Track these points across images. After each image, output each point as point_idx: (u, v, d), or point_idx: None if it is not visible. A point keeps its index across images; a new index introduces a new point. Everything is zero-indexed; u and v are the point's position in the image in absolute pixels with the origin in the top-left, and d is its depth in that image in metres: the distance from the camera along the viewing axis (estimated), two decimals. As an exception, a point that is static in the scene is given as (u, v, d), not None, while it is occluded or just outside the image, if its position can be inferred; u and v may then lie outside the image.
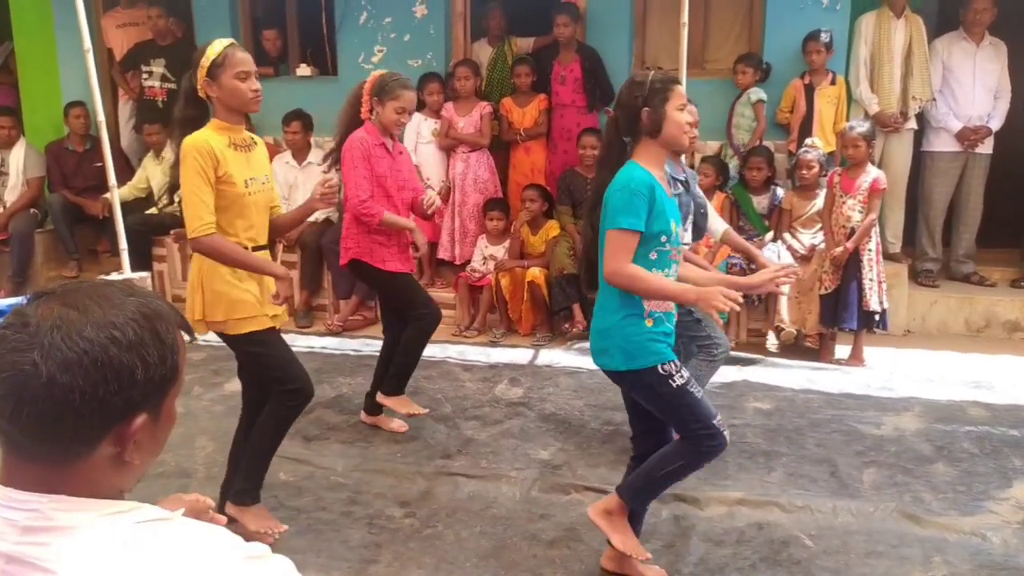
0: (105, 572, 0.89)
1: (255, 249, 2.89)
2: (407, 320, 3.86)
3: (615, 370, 2.58)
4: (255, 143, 2.95)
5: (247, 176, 2.83)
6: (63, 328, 0.90)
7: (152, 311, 0.97)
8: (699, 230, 3.62)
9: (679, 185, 3.35)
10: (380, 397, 3.95)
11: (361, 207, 3.66)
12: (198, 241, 2.75)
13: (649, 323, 2.52)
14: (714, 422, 2.54)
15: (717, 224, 3.92)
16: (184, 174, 2.73)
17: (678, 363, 2.55)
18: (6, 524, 0.92)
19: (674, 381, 2.51)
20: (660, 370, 2.51)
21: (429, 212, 3.85)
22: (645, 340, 2.51)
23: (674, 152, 2.79)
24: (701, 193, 3.70)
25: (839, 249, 4.77)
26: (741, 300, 2.44)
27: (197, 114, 2.86)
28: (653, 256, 2.49)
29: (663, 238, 2.49)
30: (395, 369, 3.91)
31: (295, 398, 2.95)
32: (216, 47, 2.78)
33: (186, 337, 1.05)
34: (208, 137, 2.77)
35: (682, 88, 2.57)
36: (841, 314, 4.83)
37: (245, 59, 2.78)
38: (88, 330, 0.91)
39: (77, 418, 0.91)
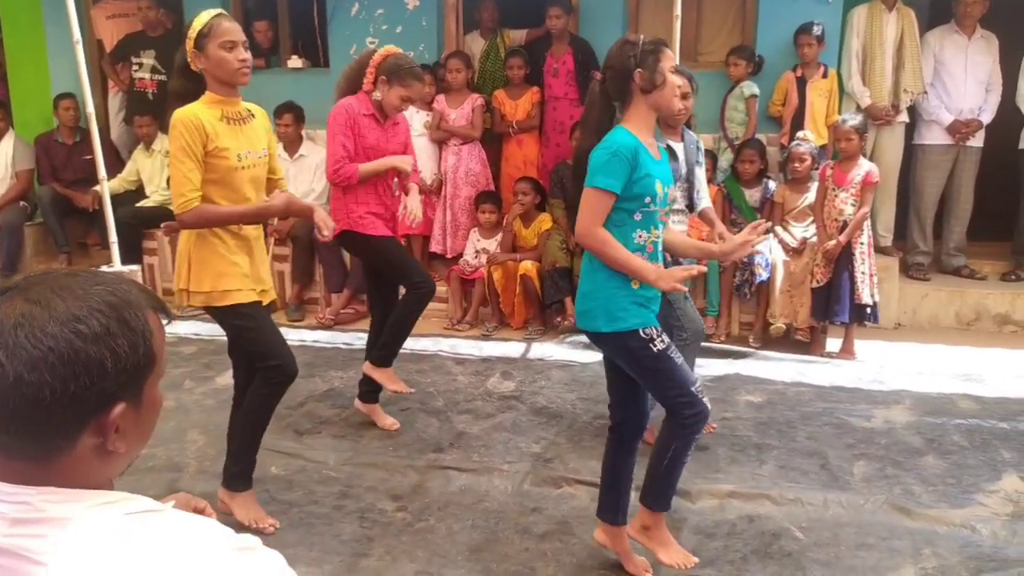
0: (95, 563, 0.89)
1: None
2: (403, 288, 3.81)
3: (597, 331, 2.59)
4: (252, 115, 2.92)
5: (241, 150, 2.81)
6: (26, 326, 0.89)
7: (119, 299, 0.96)
8: (688, 203, 3.65)
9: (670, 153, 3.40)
10: (367, 367, 3.85)
11: (335, 176, 3.56)
12: (182, 219, 2.77)
13: (635, 285, 2.54)
14: (693, 388, 2.56)
15: (704, 202, 3.85)
16: (171, 149, 2.73)
17: (659, 328, 2.57)
18: None
19: (655, 346, 2.54)
20: (642, 334, 2.53)
21: (411, 224, 3.85)
22: (629, 303, 2.54)
23: (667, 124, 2.82)
24: (697, 163, 3.67)
25: (831, 242, 4.78)
26: (695, 272, 2.54)
27: (191, 87, 2.82)
28: (638, 217, 2.53)
29: (647, 199, 2.51)
30: (385, 338, 3.82)
31: (276, 374, 2.92)
32: (203, 17, 2.76)
33: (164, 319, 1.04)
34: (197, 111, 2.75)
35: (671, 51, 2.60)
36: (833, 307, 4.84)
37: (231, 28, 2.74)
38: (51, 326, 0.90)
39: (51, 414, 0.90)
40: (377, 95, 3.61)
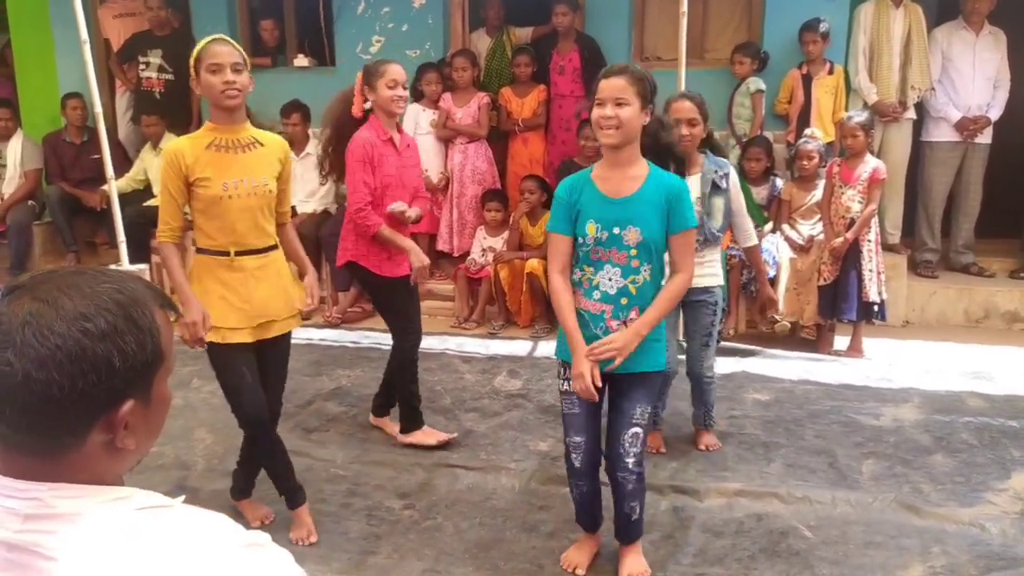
0: (106, 558, 0.89)
1: (239, 254, 2.79)
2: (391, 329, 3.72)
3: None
4: (258, 144, 2.81)
5: (229, 178, 2.73)
6: (33, 324, 0.90)
7: (126, 297, 0.96)
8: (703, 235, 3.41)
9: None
10: (402, 437, 3.76)
11: (357, 216, 3.44)
12: (156, 248, 2.84)
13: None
14: (568, 440, 2.68)
15: (742, 236, 3.68)
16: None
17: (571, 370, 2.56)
18: (7, 513, 0.92)
19: (561, 382, 2.67)
20: (559, 365, 2.68)
21: (409, 220, 3.61)
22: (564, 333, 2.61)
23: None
24: (716, 191, 3.43)
25: (839, 240, 4.76)
26: (593, 390, 2.46)
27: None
28: (579, 252, 2.58)
29: (579, 239, 2.55)
30: (401, 405, 3.77)
31: (240, 417, 2.91)
32: (200, 44, 2.74)
33: (171, 316, 1.04)
34: (182, 143, 2.76)
35: (603, 82, 2.49)
36: (840, 305, 4.82)
37: (217, 51, 2.68)
38: (59, 324, 0.90)
39: (60, 411, 0.91)
40: (368, 105, 3.51)
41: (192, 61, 2.73)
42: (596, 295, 2.54)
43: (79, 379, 0.90)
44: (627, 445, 2.58)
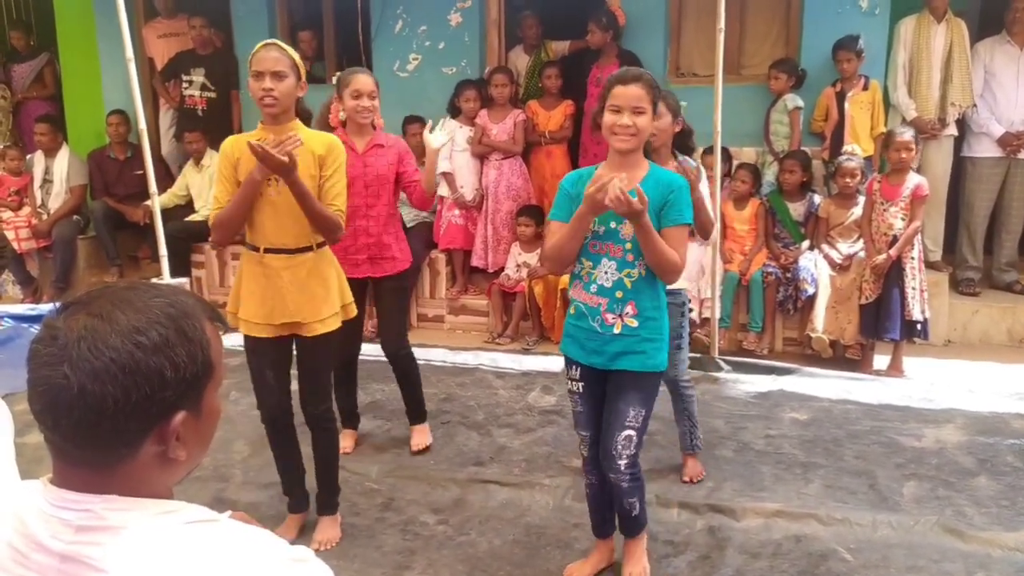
0: (154, 571, 0.91)
1: (268, 251, 2.86)
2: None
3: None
4: (300, 140, 2.80)
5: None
6: (89, 339, 0.92)
7: (177, 310, 0.99)
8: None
9: None
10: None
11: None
12: (212, 229, 2.93)
13: (571, 311, 2.67)
14: (577, 433, 2.77)
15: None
16: None
17: (575, 371, 2.67)
18: (61, 524, 0.94)
19: (566, 381, 2.74)
20: (565, 360, 2.72)
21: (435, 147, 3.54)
22: (566, 328, 2.70)
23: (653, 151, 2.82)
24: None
25: (881, 257, 4.69)
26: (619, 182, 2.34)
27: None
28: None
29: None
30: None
31: (261, 413, 3.05)
32: (255, 48, 2.85)
33: (221, 330, 1.06)
34: (237, 138, 2.94)
35: (618, 88, 2.50)
36: (884, 324, 4.73)
37: (261, 58, 2.78)
38: (113, 338, 0.93)
39: (114, 423, 0.93)
40: (343, 115, 3.55)
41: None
42: (593, 288, 2.58)
43: (133, 391, 0.93)
44: (620, 447, 2.59)
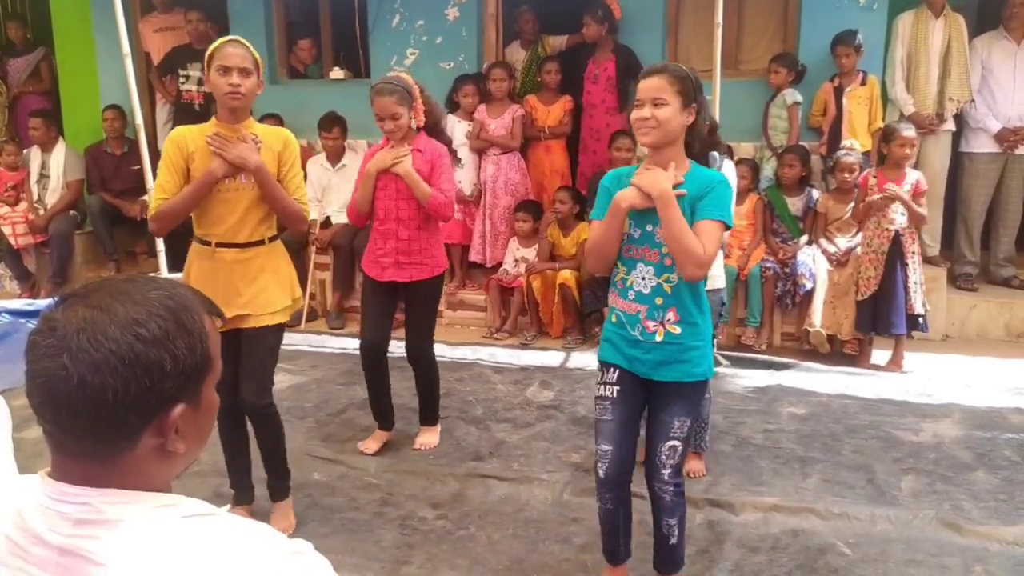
0: (153, 565, 0.91)
1: (220, 245, 2.88)
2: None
3: None
4: (257, 140, 2.87)
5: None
6: (88, 330, 0.92)
7: (176, 303, 0.98)
8: None
9: None
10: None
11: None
12: (151, 220, 2.91)
13: (612, 319, 2.53)
14: (597, 448, 2.55)
15: None
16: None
17: (612, 374, 2.50)
18: (59, 517, 0.94)
19: (597, 386, 2.56)
20: (599, 367, 2.57)
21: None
22: (605, 334, 2.57)
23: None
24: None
25: (877, 197, 4.59)
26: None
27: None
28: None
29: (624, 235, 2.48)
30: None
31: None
32: (216, 43, 2.85)
33: (218, 323, 1.06)
34: (190, 129, 2.91)
35: (641, 83, 2.42)
36: (889, 318, 4.71)
37: (228, 54, 2.78)
38: (112, 330, 0.92)
39: (114, 415, 0.93)
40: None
41: (206, 58, 2.84)
42: (631, 295, 2.45)
43: (132, 383, 0.92)
44: (664, 457, 2.47)
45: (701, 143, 2.49)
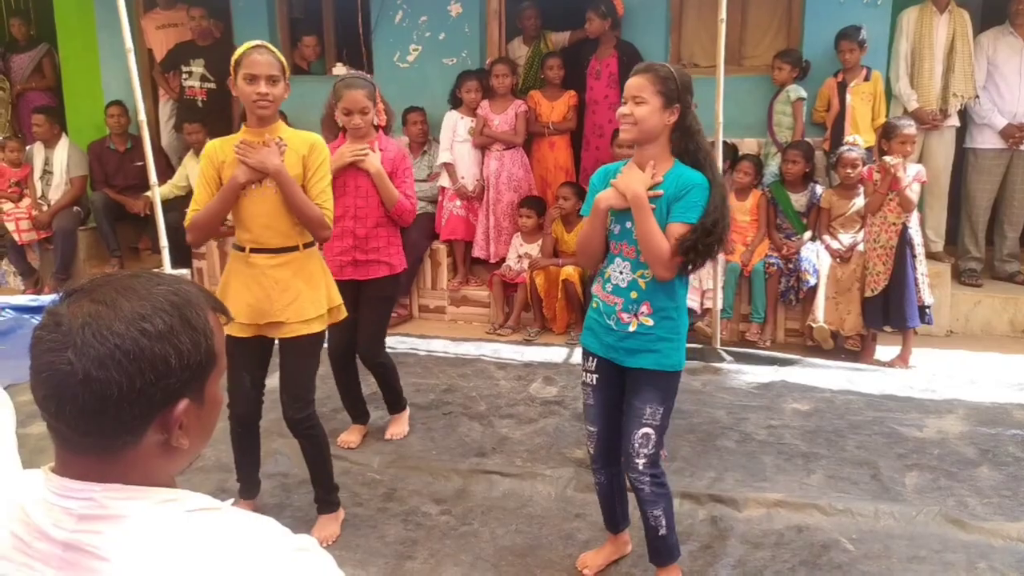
0: (157, 560, 0.91)
1: (254, 251, 2.88)
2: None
3: None
4: (283, 145, 2.85)
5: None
6: (93, 325, 0.92)
7: (180, 299, 0.98)
8: None
9: None
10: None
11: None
12: (187, 231, 2.96)
13: (593, 305, 2.64)
14: (585, 428, 2.75)
15: None
16: None
17: (591, 363, 2.65)
18: (63, 512, 0.94)
19: (582, 372, 2.72)
20: (582, 353, 2.71)
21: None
22: (587, 321, 2.68)
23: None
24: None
25: (889, 159, 4.59)
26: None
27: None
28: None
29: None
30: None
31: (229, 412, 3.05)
32: (242, 47, 2.81)
33: (223, 319, 1.06)
34: (220, 141, 2.92)
35: (627, 81, 2.51)
36: (903, 311, 4.69)
37: (255, 62, 2.75)
38: (117, 325, 0.92)
39: (118, 410, 0.93)
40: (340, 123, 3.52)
41: (232, 63, 2.81)
42: (608, 287, 2.57)
43: (137, 378, 0.92)
44: (637, 446, 2.53)
45: (687, 142, 2.49)
